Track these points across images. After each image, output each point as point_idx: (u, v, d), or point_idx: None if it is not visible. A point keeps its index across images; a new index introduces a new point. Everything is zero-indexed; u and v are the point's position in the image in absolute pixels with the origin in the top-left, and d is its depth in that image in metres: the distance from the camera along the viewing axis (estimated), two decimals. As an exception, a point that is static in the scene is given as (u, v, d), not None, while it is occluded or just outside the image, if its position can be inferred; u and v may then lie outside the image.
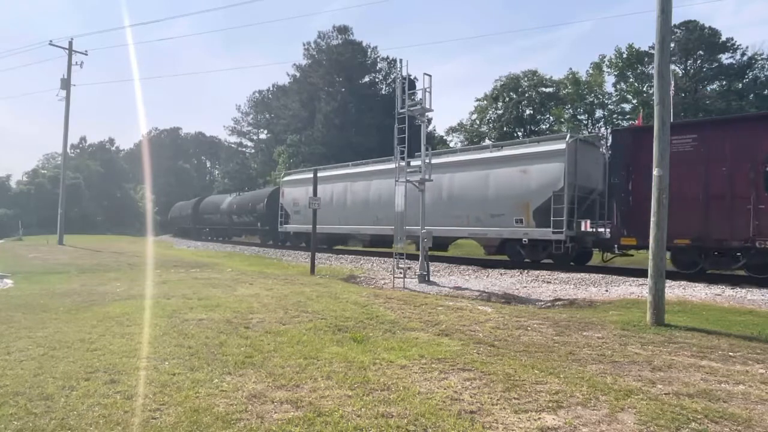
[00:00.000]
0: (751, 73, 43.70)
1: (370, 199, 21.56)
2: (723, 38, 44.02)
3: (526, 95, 50.45)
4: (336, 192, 23.32)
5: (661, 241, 7.67)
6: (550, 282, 13.21)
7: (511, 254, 17.26)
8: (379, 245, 22.02)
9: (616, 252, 15.04)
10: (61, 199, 30.96)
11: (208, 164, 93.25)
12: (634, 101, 45.86)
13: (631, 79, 46.94)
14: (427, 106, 13.69)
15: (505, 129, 50.67)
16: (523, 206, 16.34)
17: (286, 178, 28.68)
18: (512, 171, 16.77)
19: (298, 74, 55.34)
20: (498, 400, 4.14)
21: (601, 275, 13.68)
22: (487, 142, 51.97)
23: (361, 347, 5.80)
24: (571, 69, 50.10)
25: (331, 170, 24.96)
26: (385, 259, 19.07)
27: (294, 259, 21.51)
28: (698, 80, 44.33)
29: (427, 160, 14.02)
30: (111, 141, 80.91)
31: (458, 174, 18.30)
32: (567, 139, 15.96)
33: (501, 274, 15.12)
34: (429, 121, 15.26)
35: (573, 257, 16.32)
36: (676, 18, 46.63)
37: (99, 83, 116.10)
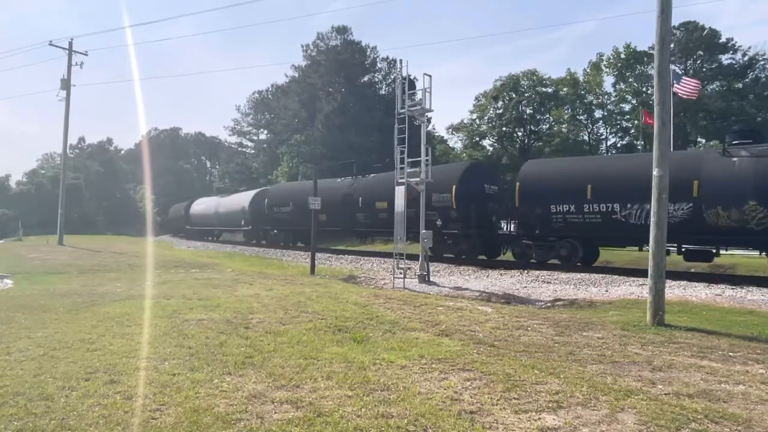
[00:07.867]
0: (751, 74, 43.71)
1: None
2: (723, 39, 44.08)
3: (526, 95, 50.43)
4: None
5: (661, 241, 7.67)
6: (550, 282, 13.21)
7: None
8: None
9: None
10: (61, 200, 30.92)
11: (208, 164, 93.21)
12: (634, 101, 45.88)
13: (630, 80, 46.95)
14: (427, 107, 13.70)
15: (504, 129, 50.64)
16: None
17: None
18: None
19: (297, 75, 55.37)
20: (498, 400, 4.13)
21: (601, 275, 13.67)
22: (488, 141, 52.02)
23: (361, 347, 5.80)
24: (569, 69, 50.09)
25: None
26: (385, 259, 19.06)
27: (294, 260, 21.54)
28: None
29: (428, 160, 14.02)
30: (110, 141, 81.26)
31: None
32: None
33: (501, 274, 15.11)
34: (429, 121, 15.26)
35: None
36: (678, 18, 46.63)
37: (99, 83, 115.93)
